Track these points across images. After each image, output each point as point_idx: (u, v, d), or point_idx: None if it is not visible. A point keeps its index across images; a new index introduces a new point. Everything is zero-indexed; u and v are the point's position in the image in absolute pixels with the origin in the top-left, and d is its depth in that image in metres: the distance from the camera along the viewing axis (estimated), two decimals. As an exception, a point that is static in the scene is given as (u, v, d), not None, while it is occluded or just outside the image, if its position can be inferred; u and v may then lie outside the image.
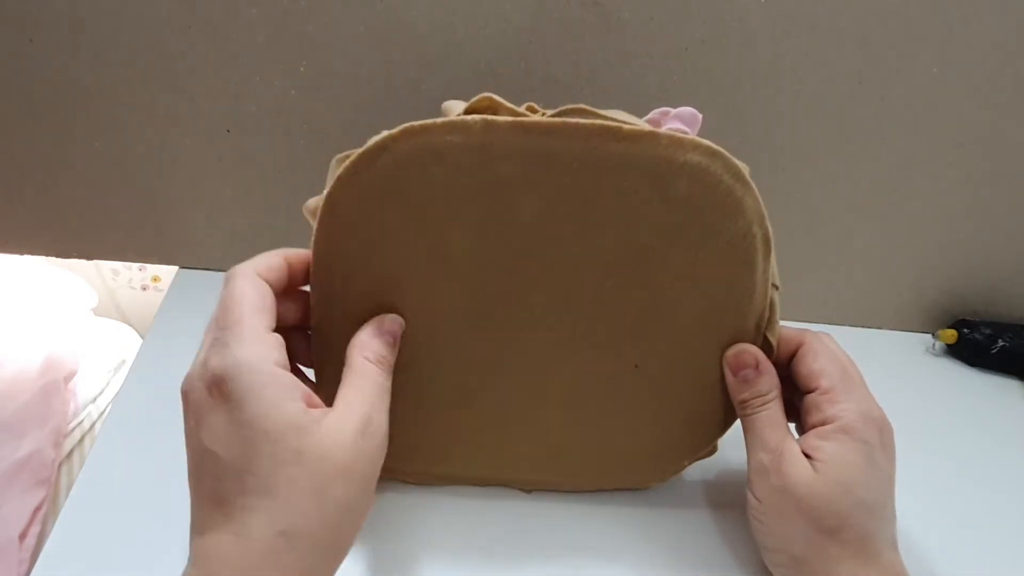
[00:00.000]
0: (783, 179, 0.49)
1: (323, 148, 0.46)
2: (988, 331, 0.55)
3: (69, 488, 0.41)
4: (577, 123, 0.30)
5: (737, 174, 0.32)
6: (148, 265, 0.83)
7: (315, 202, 0.33)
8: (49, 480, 0.69)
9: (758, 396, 0.35)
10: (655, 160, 0.31)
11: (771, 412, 0.35)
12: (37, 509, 0.66)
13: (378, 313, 0.33)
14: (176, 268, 0.52)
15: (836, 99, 0.46)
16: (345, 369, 0.31)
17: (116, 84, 0.43)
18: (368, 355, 0.31)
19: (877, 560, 0.33)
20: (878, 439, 0.33)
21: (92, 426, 0.76)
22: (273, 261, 0.31)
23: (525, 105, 0.33)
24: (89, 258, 0.51)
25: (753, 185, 0.32)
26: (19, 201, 0.48)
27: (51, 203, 0.48)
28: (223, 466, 0.26)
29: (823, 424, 0.34)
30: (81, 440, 0.75)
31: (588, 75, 0.44)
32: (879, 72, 0.45)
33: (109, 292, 1.00)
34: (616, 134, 0.30)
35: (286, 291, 0.32)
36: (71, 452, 0.74)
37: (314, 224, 0.33)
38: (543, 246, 0.33)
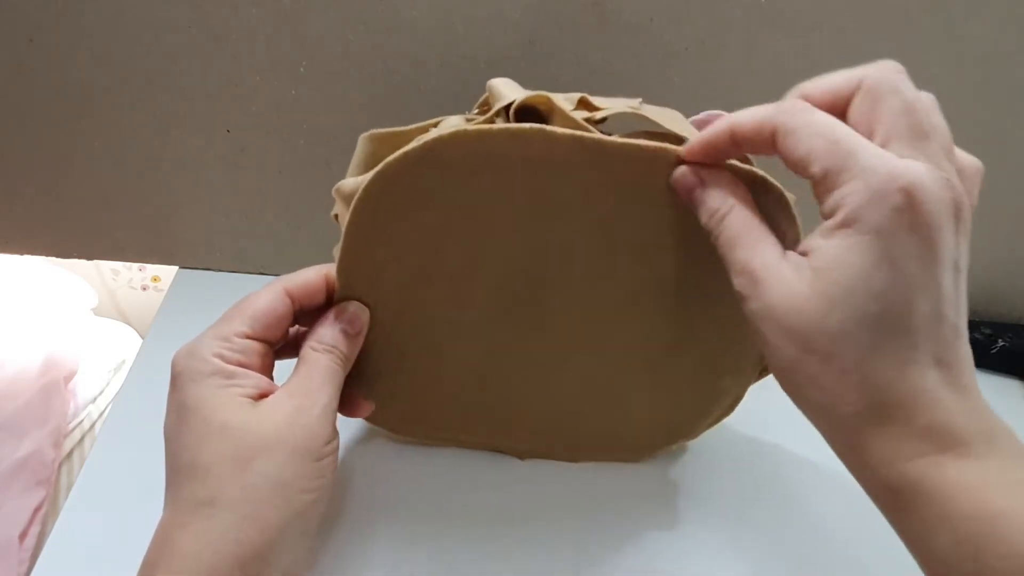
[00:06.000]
0: (783, 179, 0.49)
1: (323, 148, 0.46)
2: (988, 331, 0.55)
3: (69, 488, 0.41)
4: (639, 146, 0.29)
5: (785, 207, 0.31)
6: (148, 265, 0.83)
7: (349, 187, 0.32)
8: (49, 480, 0.69)
9: (714, 214, 0.29)
10: None
11: (730, 228, 0.28)
12: (37, 509, 0.66)
13: (402, 307, 0.34)
14: (176, 268, 0.52)
15: (836, 99, 0.46)
16: (297, 362, 0.32)
17: (116, 84, 0.43)
18: (314, 344, 0.31)
19: (902, 389, 0.24)
20: (897, 221, 0.23)
21: (92, 426, 0.76)
22: (310, 277, 0.32)
23: (578, 96, 0.32)
24: (89, 258, 0.51)
25: (797, 218, 0.31)
26: (19, 201, 0.48)
27: (51, 203, 0.48)
28: (169, 448, 0.28)
29: (828, 219, 0.25)
30: (81, 440, 0.75)
31: (588, 75, 0.44)
32: (879, 72, 0.45)
33: (109, 292, 1.00)
34: (677, 159, 0.29)
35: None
36: (71, 452, 0.73)
37: (342, 207, 0.33)
38: (581, 260, 0.33)
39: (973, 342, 0.55)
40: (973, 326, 0.55)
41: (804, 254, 0.26)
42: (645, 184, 0.30)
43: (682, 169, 0.29)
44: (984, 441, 0.24)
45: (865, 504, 0.28)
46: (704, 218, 0.29)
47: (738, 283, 0.27)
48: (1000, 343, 0.54)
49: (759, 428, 0.46)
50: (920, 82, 0.45)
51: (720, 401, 0.39)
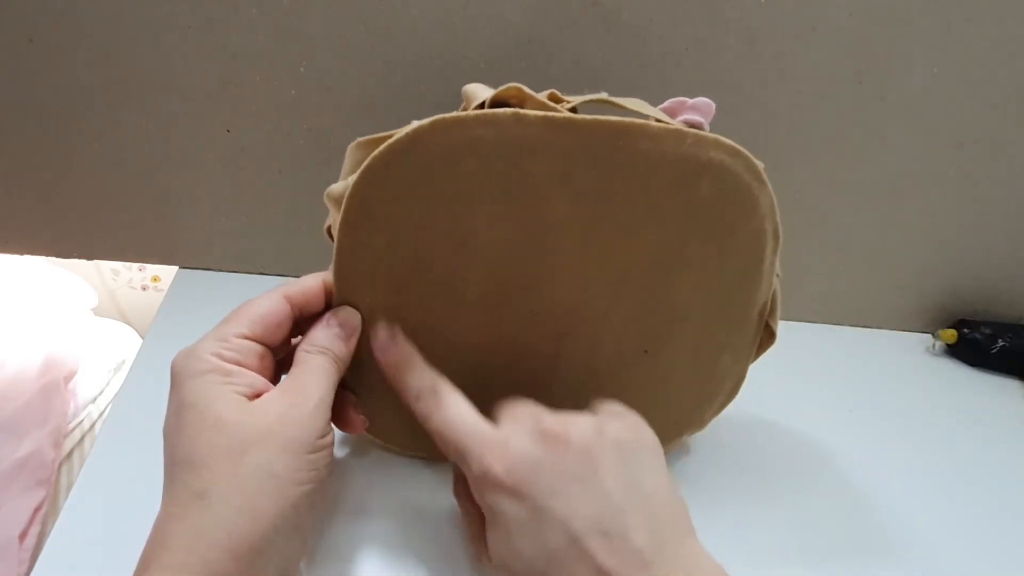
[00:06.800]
0: (783, 179, 0.49)
1: (323, 148, 0.46)
2: (988, 331, 0.55)
3: (69, 488, 0.41)
4: (607, 121, 0.30)
5: (756, 173, 0.33)
6: (148, 265, 0.83)
7: (338, 189, 0.33)
8: (49, 480, 0.69)
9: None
10: (680, 159, 0.31)
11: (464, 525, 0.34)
12: (37, 509, 0.66)
13: (399, 307, 0.34)
14: (176, 268, 0.52)
15: (836, 99, 0.46)
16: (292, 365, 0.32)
17: (116, 84, 0.43)
18: (307, 347, 0.32)
19: None
20: (497, 492, 0.29)
21: (92, 426, 0.76)
22: (309, 284, 0.33)
23: (547, 92, 0.33)
24: (89, 258, 0.51)
25: (768, 183, 0.33)
26: (19, 201, 0.48)
27: (51, 203, 0.48)
28: (167, 444, 0.29)
29: None
30: (81, 440, 0.75)
31: (588, 75, 0.44)
32: (879, 72, 0.45)
33: (109, 292, 1.00)
34: (644, 132, 0.30)
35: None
36: (71, 452, 0.73)
37: (334, 211, 0.33)
38: (566, 241, 0.33)
39: (973, 342, 0.56)
40: (973, 326, 0.55)
41: None
42: (620, 159, 0.31)
43: None
44: None
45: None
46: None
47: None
48: (1000, 343, 0.54)
49: (759, 423, 0.46)
50: (921, 82, 0.45)
51: (723, 384, 0.40)
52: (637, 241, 0.33)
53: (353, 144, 0.35)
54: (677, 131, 0.31)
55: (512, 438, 0.29)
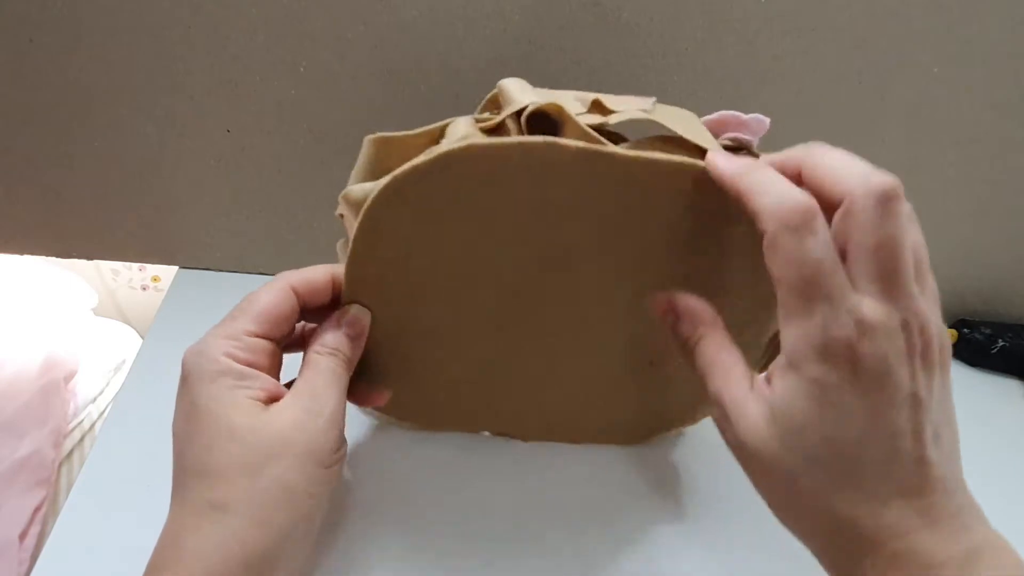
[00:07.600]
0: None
1: (323, 148, 0.46)
2: (988, 331, 0.55)
3: (69, 488, 0.41)
4: (652, 159, 0.29)
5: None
6: (148, 265, 0.83)
7: (356, 194, 0.32)
8: (49, 480, 0.69)
9: (686, 343, 0.31)
10: (710, 200, 0.30)
11: (702, 357, 0.30)
12: (37, 509, 0.66)
13: (409, 313, 0.34)
14: (176, 268, 0.52)
15: (836, 99, 0.46)
16: (301, 365, 0.32)
17: (116, 84, 0.43)
18: (319, 349, 0.31)
19: (865, 523, 0.25)
20: (838, 374, 0.25)
21: (92, 426, 0.76)
22: (317, 276, 0.32)
23: (592, 99, 0.32)
24: (89, 258, 0.51)
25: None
26: (19, 201, 0.48)
27: (51, 203, 0.48)
28: (178, 445, 0.29)
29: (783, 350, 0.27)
30: (81, 440, 0.75)
31: (588, 75, 0.44)
32: (879, 72, 0.45)
33: (109, 292, 1.00)
34: (689, 173, 0.29)
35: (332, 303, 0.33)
36: (71, 452, 0.74)
37: (350, 214, 0.32)
38: (582, 263, 0.32)
39: (973, 342, 0.56)
40: (973, 326, 0.55)
41: (769, 380, 0.27)
42: (650, 193, 0.30)
43: (659, 296, 0.32)
44: (959, 564, 0.24)
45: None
46: (679, 343, 0.31)
47: (712, 412, 0.30)
48: (1000, 343, 0.54)
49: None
50: (921, 82, 0.45)
51: None
52: (652, 268, 0.33)
53: (369, 138, 0.34)
54: (704, 174, 0.29)
55: (884, 318, 0.25)
